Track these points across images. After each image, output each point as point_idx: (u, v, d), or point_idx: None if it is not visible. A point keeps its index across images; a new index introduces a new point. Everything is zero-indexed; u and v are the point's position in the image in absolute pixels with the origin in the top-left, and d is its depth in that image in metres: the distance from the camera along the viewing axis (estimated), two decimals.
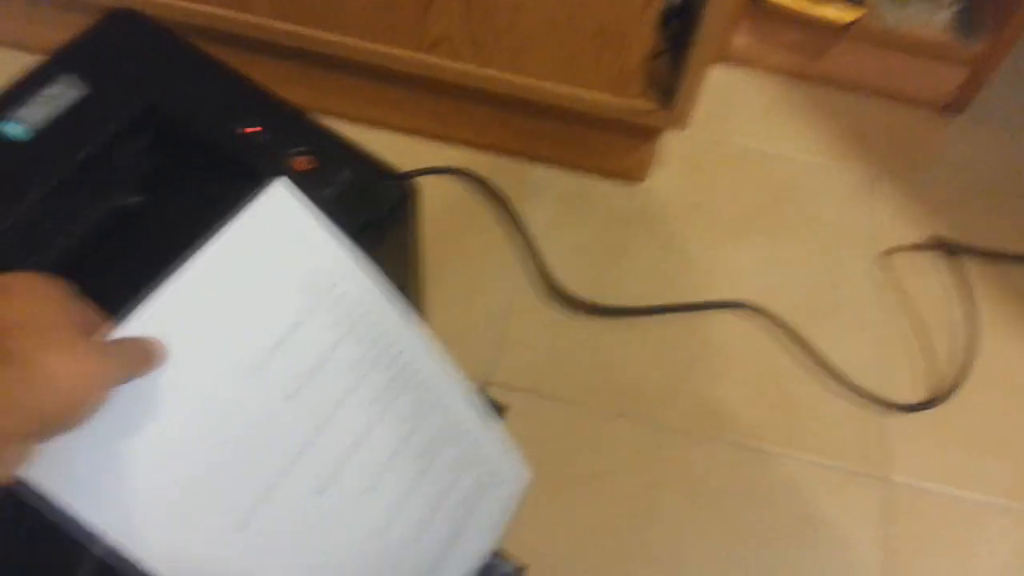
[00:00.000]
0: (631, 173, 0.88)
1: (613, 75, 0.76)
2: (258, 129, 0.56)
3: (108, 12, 0.61)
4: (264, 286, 0.42)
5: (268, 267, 0.42)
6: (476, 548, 0.51)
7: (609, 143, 0.84)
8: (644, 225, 0.86)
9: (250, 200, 0.44)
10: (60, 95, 0.55)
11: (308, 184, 0.55)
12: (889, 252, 0.87)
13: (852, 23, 0.93)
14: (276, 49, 0.80)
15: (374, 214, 0.56)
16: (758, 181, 0.91)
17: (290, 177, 0.55)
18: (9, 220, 0.51)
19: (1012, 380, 0.79)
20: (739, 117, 0.96)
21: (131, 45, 0.59)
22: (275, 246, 0.43)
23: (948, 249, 0.86)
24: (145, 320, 0.37)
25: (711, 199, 0.89)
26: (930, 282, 0.85)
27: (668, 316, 0.80)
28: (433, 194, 0.84)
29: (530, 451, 0.70)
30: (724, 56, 1.00)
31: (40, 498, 0.33)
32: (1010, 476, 0.74)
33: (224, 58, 0.59)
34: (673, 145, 0.90)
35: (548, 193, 0.87)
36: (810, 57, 0.99)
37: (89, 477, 0.34)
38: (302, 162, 0.56)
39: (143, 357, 0.35)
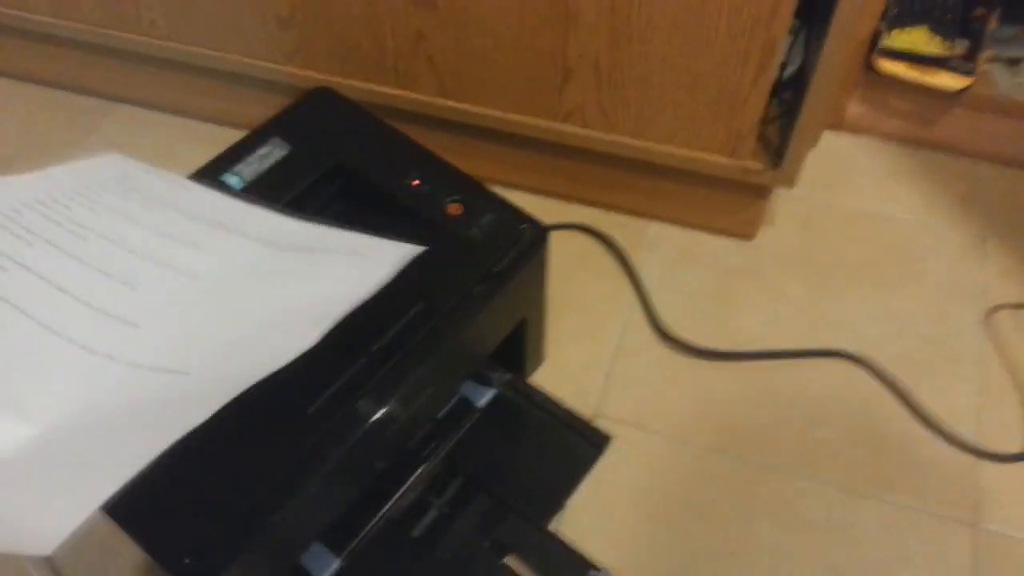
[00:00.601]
0: (742, 230, 0.95)
1: (727, 138, 0.84)
2: (418, 183, 0.69)
3: (310, 91, 0.76)
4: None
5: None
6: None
7: (721, 201, 0.92)
8: (752, 277, 0.93)
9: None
10: (268, 155, 0.70)
11: (457, 225, 0.67)
12: (995, 309, 0.90)
13: (964, 90, 0.98)
14: (438, 122, 0.94)
15: (511, 251, 0.67)
16: (867, 239, 0.96)
17: (443, 221, 0.67)
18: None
19: None
20: (851, 181, 1.02)
21: (325, 116, 0.74)
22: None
23: None
24: None
25: (819, 255, 0.95)
26: None
27: (771, 362, 0.86)
28: (560, 246, 0.94)
29: (632, 479, 0.78)
30: (838, 124, 1.06)
31: None
32: None
33: (398, 128, 0.73)
34: (785, 206, 0.97)
35: (663, 247, 0.96)
36: (922, 124, 1.04)
37: None
38: (453, 208, 0.68)
39: None
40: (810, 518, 0.77)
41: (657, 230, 0.97)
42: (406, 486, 0.74)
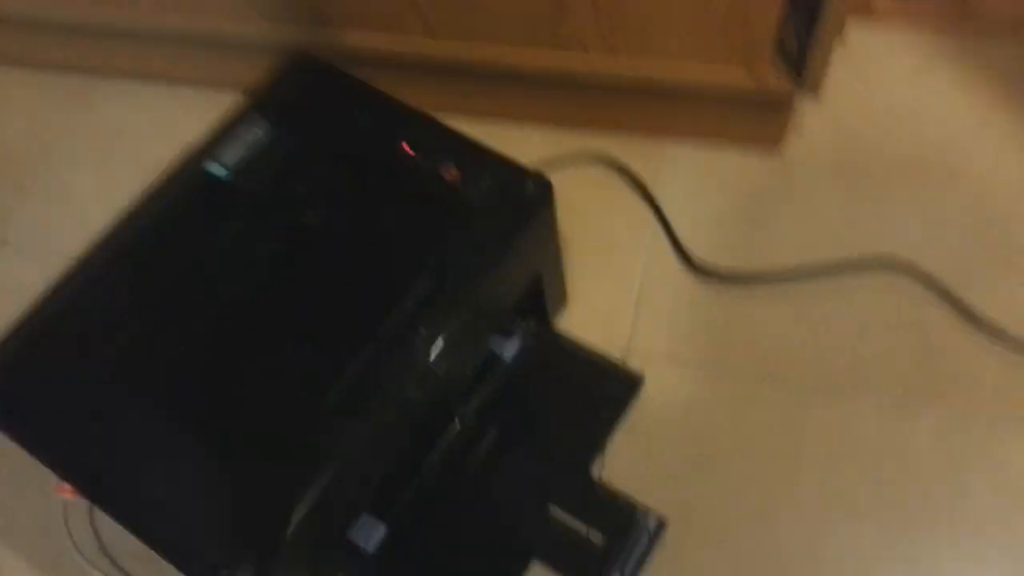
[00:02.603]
0: (766, 141, 0.89)
1: (741, 49, 0.78)
2: (411, 151, 0.65)
3: (287, 59, 0.71)
4: None
5: None
6: None
7: (742, 115, 0.86)
8: (781, 192, 0.88)
9: None
10: (251, 138, 0.66)
11: (458, 191, 0.64)
12: None
13: None
14: (430, 69, 0.88)
15: (515, 211, 0.63)
16: (904, 137, 0.89)
17: (442, 188, 0.64)
18: (216, 242, 0.63)
19: None
20: (883, 76, 0.94)
21: (305, 87, 0.70)
22: None
23: None
24: None
25: (852, 160, 0.88)
26: None
27: (809, 281, 0.82)
28: (573, 180, 0.90)
29: (671, 416, 0.77)
30: (866, 13, 0.97)
31: None
32: None
33: (383, 83, 0.69)
34: (811, 109, 0.91)
35: (682, 168, 0.90)
36: (956, 9, 0.94)
37: None
38: (451, 173, 0.64)
39: None
40: (860, 436, 0.74)
41: (675, 151, 0.91)
42: (444, 446, 0.74)
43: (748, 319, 0.81)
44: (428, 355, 0.58)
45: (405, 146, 0.65)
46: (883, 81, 0.94)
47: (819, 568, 0.70)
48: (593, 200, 0.89)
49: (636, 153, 0.91)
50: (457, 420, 0.74)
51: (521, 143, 0.92)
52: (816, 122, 0.91)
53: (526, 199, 0.64)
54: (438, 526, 0.72)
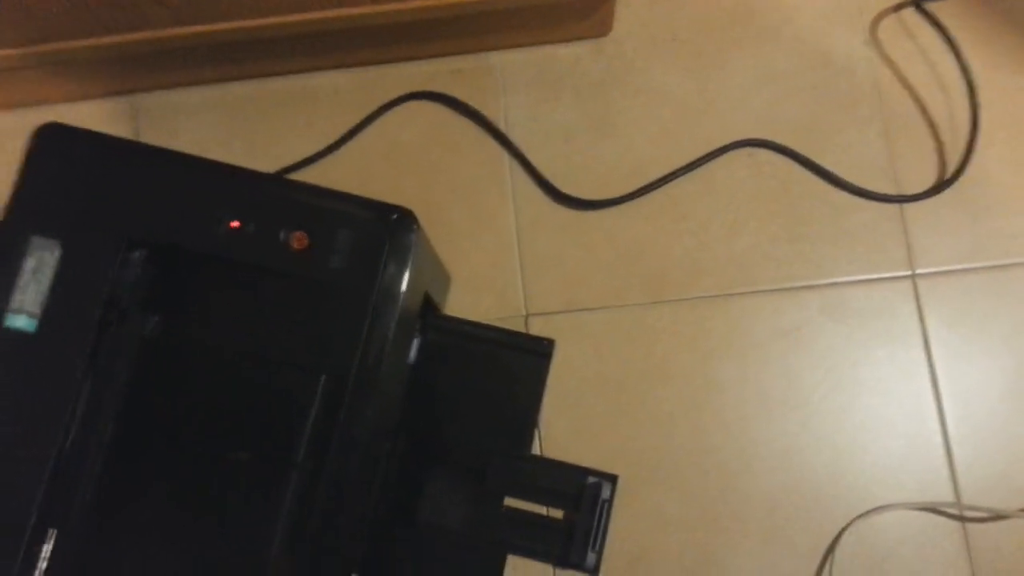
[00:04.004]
0: (595, 30, 0.82)
1: None
2: (238, 225, 0.55)
3: (35, 133, 0.57)
4: None
5: None
6: None
7: (563, 16, 0.78)
8: (623, 83, 0.82)
9: None
10: (40, 266, 0.53)
11: (311, 263, 0.55)
12: (877, 20, 0.82)
13: None
14: (200, 57, 0.74)
15: (393, 258, 0.55)
16: None
17: (292, 261, 0.55)
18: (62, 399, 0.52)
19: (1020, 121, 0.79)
20: None
21: (73, 169, 0.55)
22: None
23: (915, 3, 0.81)
24: None
25: (684, 25, 0.83)
26: (923, 43, 0.81)
27: (676, 182, 0.79)
28: (402, 126, 0.81)
29: (589, 367, 0.75)
30: None
31: None
32: None
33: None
34: None
35: (516, 82, 0.82)
36: None
37: None
38: (298, 240, 0.55)
39: None
40: (760, 333, 0.76)
41: (502, 64, 0.82)
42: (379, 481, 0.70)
43: (629, 242, 0.78)
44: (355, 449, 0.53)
45: (234, 224, 0.54)
46: None
47: (749, 462, 0.74)
48: (435, 146, 0.81)
49: (464, 78, 0.82)
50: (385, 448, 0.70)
51: (330, 96, 0.81)
52: None
53: (391, 239, 0.56)
54: (401, 555, 0.70)
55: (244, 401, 0.53)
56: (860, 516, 0.72)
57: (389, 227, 0.56)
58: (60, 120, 0.81)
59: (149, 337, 0.55)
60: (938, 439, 0.74)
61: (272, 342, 0.54)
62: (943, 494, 0.72)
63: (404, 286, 0.56)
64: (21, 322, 0.52)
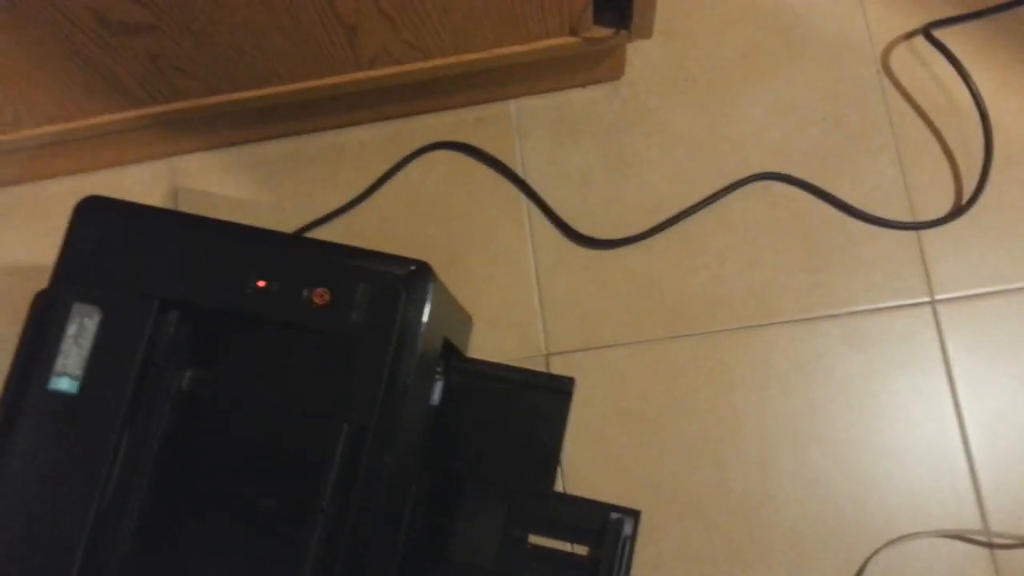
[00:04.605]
0: (609, 74, 0.84)
1: (563, 21, 0.71)
2: (263, 284, 0.58)
3: (76, 206, 0.61)
4: None
5: None
6: None
7: (577, 64, 0.81)
8: (637, 123, 0.84)
9: None
10: (81, 332, 0.57)
11: (332, 317, 0.58)
12: (888, 51, 0.83)
13: None
14: (234, 119, 0.78)
15: (409, 310, 0.58)
16: (737, 26, 0.86)
17: (315, 316, 0.58)
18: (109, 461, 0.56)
19: None
20: None
21: (111, 238, 0.59)
22: None
23: (925, 32, 0.82)
24: None
25: (695, 65, 0.85)
26: (934, 70, 0.82)
27: (691, 218, 0.81)
28: (423, 174, 0.84)
29: (611, 402, 0.77)
30: None
31: None
32: None
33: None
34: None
35: (533, 127, 0.85)
36: None
37: None
38: (320, 296, 0.58)
39: None
40: (780, 365, 0.77)
41: (520, 110, 0.85)
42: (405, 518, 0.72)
43: (647, 279, 0.80)
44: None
45: (261, 284, 0.58)
46: None
47: (773, 493, 0.74)
48: (457, 193, 0.84)
49: (484, 126, 0.85)
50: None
51: (356, 150, 0.85)
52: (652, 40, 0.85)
53: (407, 291, 0.58)
54: None
55: (271, 450, 0.56)
56: (886, 545, 0.72)
57: (405, 280, 0.59)
58: (107, 184, 0.87)
59: (182, 391, 0.58)
60: (963, 465, 0.73)
61: (297, 393, 0.57)
62: (970, 521, 0.72)
63: (421, 335, 0.58)
64: (64, 384, 0.56)
